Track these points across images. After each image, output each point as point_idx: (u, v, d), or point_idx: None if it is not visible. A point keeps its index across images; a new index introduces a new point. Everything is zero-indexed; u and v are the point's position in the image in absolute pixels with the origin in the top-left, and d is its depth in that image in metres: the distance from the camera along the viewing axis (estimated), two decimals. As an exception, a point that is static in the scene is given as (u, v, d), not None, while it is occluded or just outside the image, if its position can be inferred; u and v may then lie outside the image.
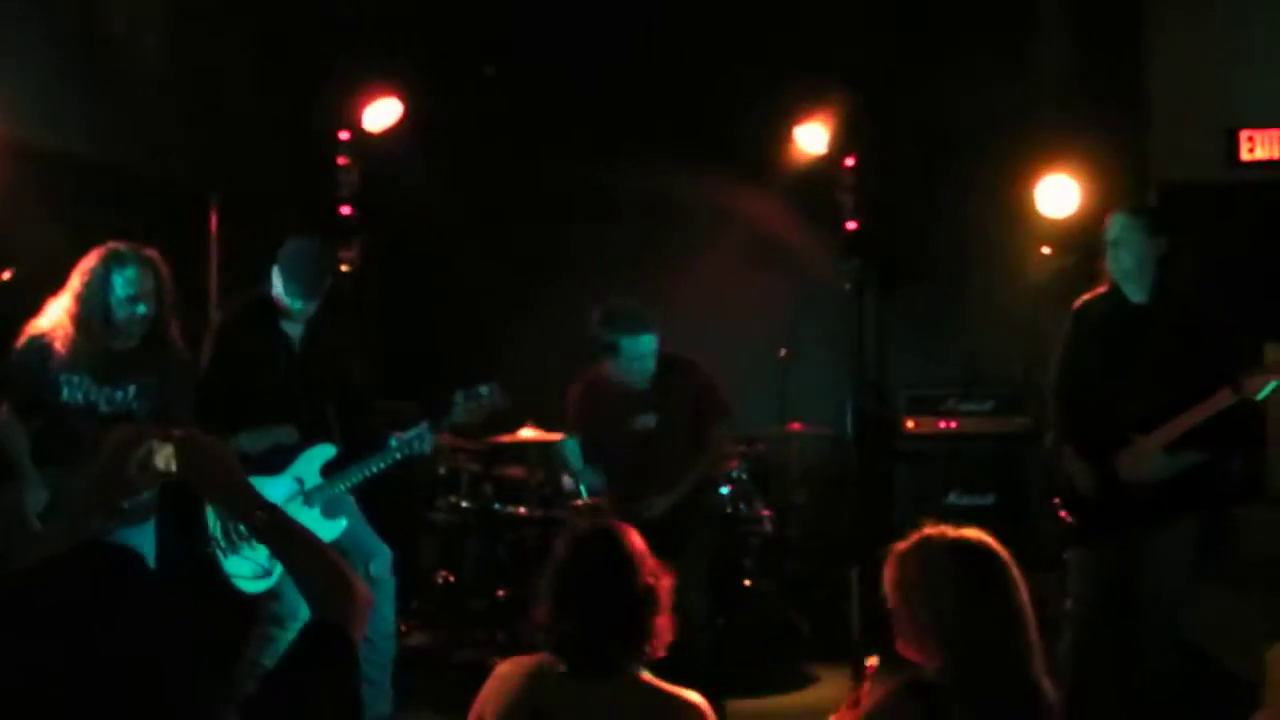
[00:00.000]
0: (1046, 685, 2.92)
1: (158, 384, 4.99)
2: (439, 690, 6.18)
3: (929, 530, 2.98)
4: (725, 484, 6.69)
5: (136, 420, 4.90)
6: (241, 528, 4.64)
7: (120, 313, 4.84)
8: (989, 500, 7.19)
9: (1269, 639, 5.72)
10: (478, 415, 5.59)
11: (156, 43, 6.59)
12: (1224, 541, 6.75)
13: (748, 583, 6.78)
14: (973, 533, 2.96)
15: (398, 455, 5.39)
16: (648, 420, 5.58)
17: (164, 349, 5.01)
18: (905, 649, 2.94)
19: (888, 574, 2.99)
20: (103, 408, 4.93)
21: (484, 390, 5.50)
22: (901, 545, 2.99)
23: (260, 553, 5.01)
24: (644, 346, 5.50)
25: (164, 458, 2.39)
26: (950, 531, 2.96)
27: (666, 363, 5.60)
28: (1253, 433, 6.30)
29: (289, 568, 2.43)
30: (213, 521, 5.06)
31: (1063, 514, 5.17)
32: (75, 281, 4.87)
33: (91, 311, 4.83)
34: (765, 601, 6.84)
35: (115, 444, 2.46)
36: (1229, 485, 5.67)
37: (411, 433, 5.40)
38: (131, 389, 4.96)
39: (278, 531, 2.42)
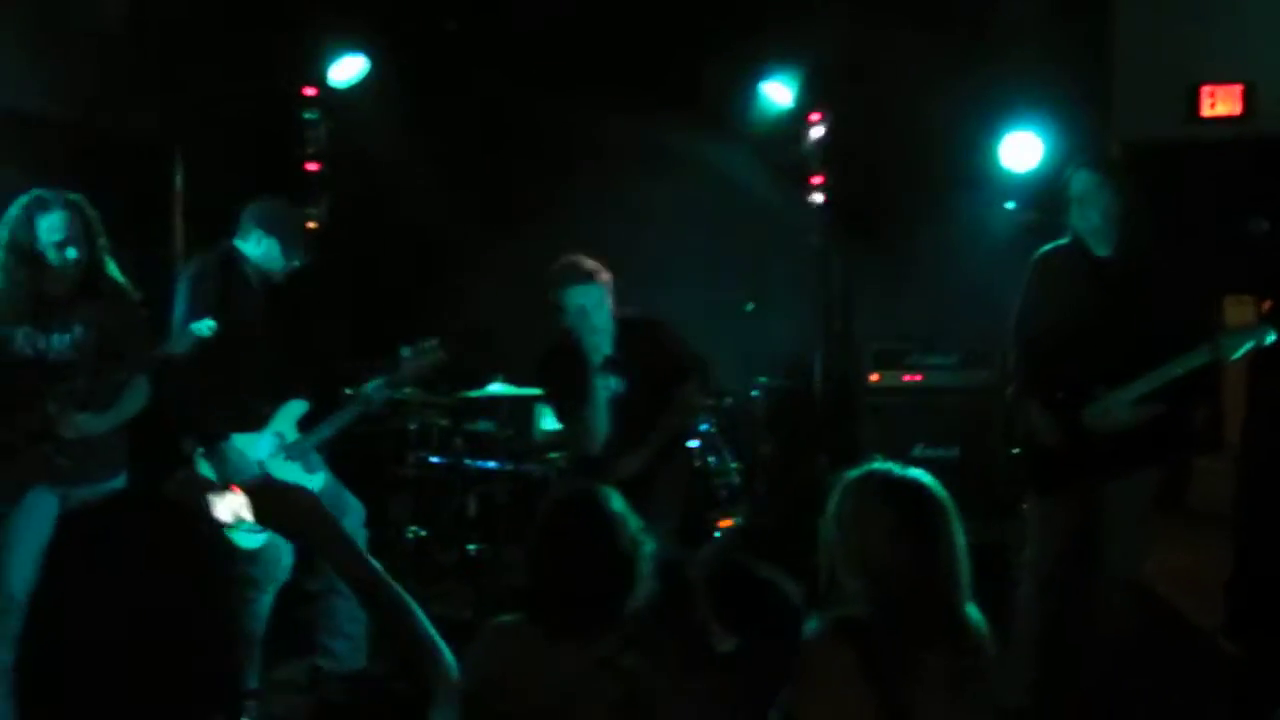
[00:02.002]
0: (971, 620, 2.99)
1: (102, 325, 5.01)
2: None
3: (874, 468, 3.05)
4: (694, 437, 6.73)
5: (82, 363, 4.95)
6: None
7: (50, 257, 4.87)
8: (954, 453, 7.25)
9: (1223, 588, 5.86)
10: (425, 368, 5.64)
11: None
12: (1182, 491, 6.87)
13: (717, 534, 6.84)
14: (916, 473, 3.03)
15: (358, 410, 5.46)
16: (614, 385, 5.55)
17: (103, 290, 5.03)
18: (841, 583, 2.99)
19: (831, 503, 3.04)
20: (51, 355, 4.96)
21: (428, 344, 5.56)
22: (848, 477, 3.05)
23: None
24: (581, 298, 5.45)
25: (229, 510, 2.39)
26: (895, 470, 3.03)
27: (629, 325, 5.58)
28: (1211, 385, 6.40)
29: (384, 630, 2.45)
30: (206, 468, 5.09)
31: (1023, 463, 5.24)
32: (3, 233, 4.89)
33: (21, 260, 4.86)
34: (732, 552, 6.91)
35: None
36: (1189, 436, 5.77)
37: (369, 386, 5.49)
38: (77, 330, 4.98)
39: (379, 590, 2.44)
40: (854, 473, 3.06)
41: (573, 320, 5.49)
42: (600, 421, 5.50)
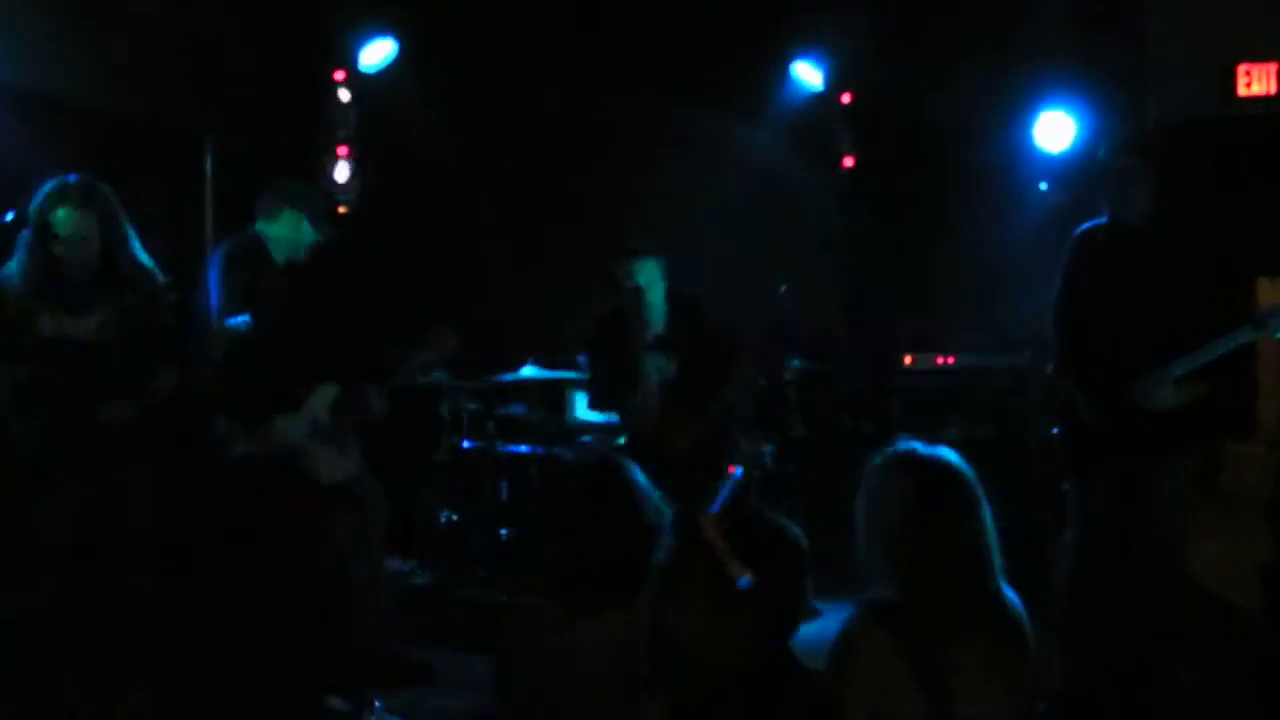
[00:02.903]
0: (1006, 600, 2.96)
1: (126, 310, 5.06)
2: (444, 628, 6.23)
3: (900, 445, 3.02)
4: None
5: (108, 347, 4.99)
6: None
7: (63, 251, 4.92)
8: (988, 435, 7.22)
9: (1261, 573, 5.81)
10: (437, 359, 5.66)
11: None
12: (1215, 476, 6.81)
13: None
14: (941, 451, 3.00)
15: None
16: (664, 363, 5.51)
17: (127, 275, 5.06)
18: (870, 565, 2.96)
19: (861, 486, 3.01)
20: (75, 337, 5.00)
21: (442, 334, 5.59)
22: (874, 459, 3.02)
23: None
24: (640, 276, 5.46)
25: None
26: (920, 448, 3.00)
27: (681, 302, 5.57)
28: (1245, 366, 6.34)
29: None
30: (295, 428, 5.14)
31: (1062, 444, 5.20)
32: (32, 214, 4.95)
33: (37, 255, 4.93)
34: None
35: None
36: (1222, 419, 5.71)
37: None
38: (101, 314, 5.03)
39: None
40: (881, 452, 3.04)
41: (628, 297, 5.49)
42: (652, 399, 5.47)
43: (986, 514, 2.96)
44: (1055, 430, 5.25)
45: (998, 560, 2.97)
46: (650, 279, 5.48)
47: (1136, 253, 4.96)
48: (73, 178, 4.97)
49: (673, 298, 5.55)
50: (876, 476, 2.99)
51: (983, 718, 2.85)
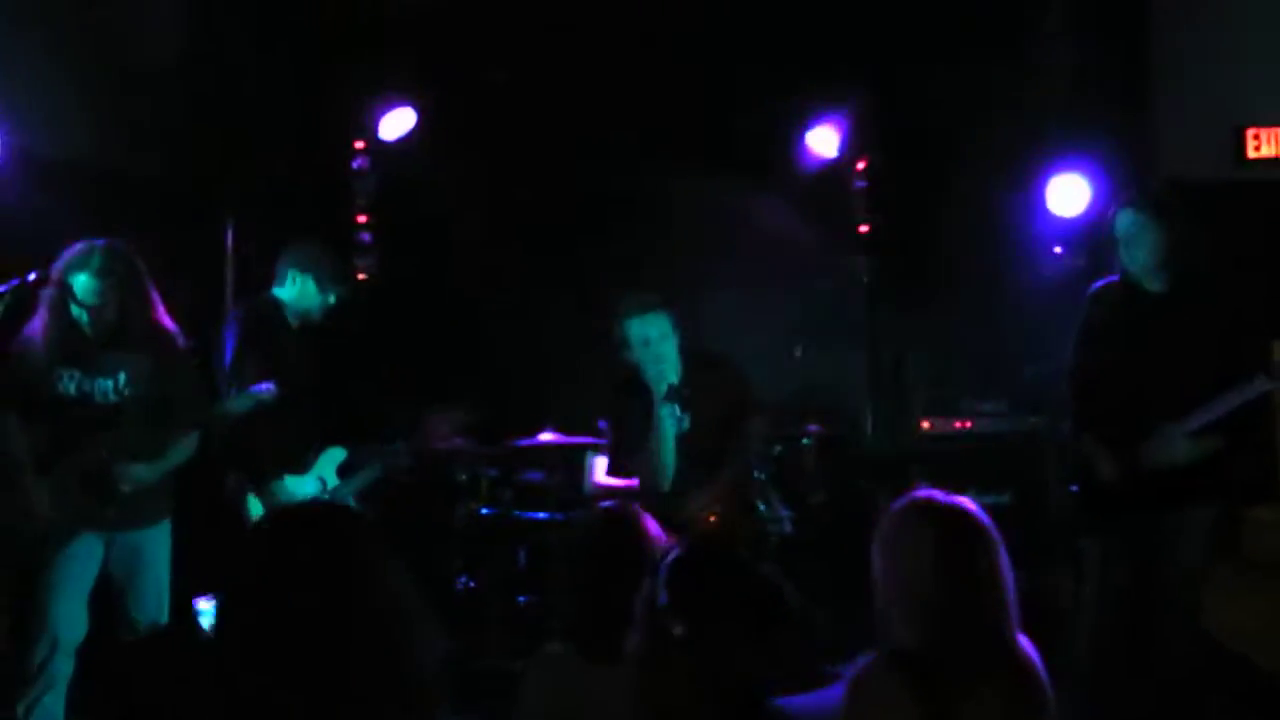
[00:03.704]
0: (1023, 650, 2.95)
1: (147, 374, 5.12)
2: (461, 693, 6.20)
3: (919, 494, 3.02)
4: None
5: (128, 410, 5.04)
6: None
7: (84, 316, 5.01)
8: (1005, 499, 7.19)
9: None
10: (446, 435, 5.69)
11: (169, 53, 6.66)
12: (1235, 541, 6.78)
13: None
14: (961, 500, 3.00)
15: (381, 468, 5.54)
16: (679, 415, 5.45)
17: (146, 338, 5.13)
18: (887, 613, 2.96)
19: (877, 533, 3.02)
20: (96, 398, 5.09)
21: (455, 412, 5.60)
22: (893, 505, 3.03)
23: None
24: (647, 328, 5.41)
25: None
26: (940, 496, 3.00)
27: (698, 359, 5.54)
28: (1261, 428, 6.34)
29: None
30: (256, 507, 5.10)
31: (1079, 500, 5.19)
32: (58, 273, 5.04)
33: (59, 315, 5.02)
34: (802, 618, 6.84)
35: None
36: (1241, 483, 5.70)
37: (394, 446, 5.58)
38: (121, 376, 5.11)
39: None
40: (901, 502, 3.04)
41: (636, 352, 5.45)
42: (668, 455, 5.43)
43: (1005, 563, 2.96)
44: (1073, 488, 5.26)
45: (1015, 610, 2.97)
46: (662, 332, 5.43)
47: (1149, 308, 4.99)
48: (100, 242, 5.04)
49: (691, 354, 5.52)
50: (897, 524, 3.00)
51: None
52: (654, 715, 2.68)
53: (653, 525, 3.29)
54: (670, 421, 5.42)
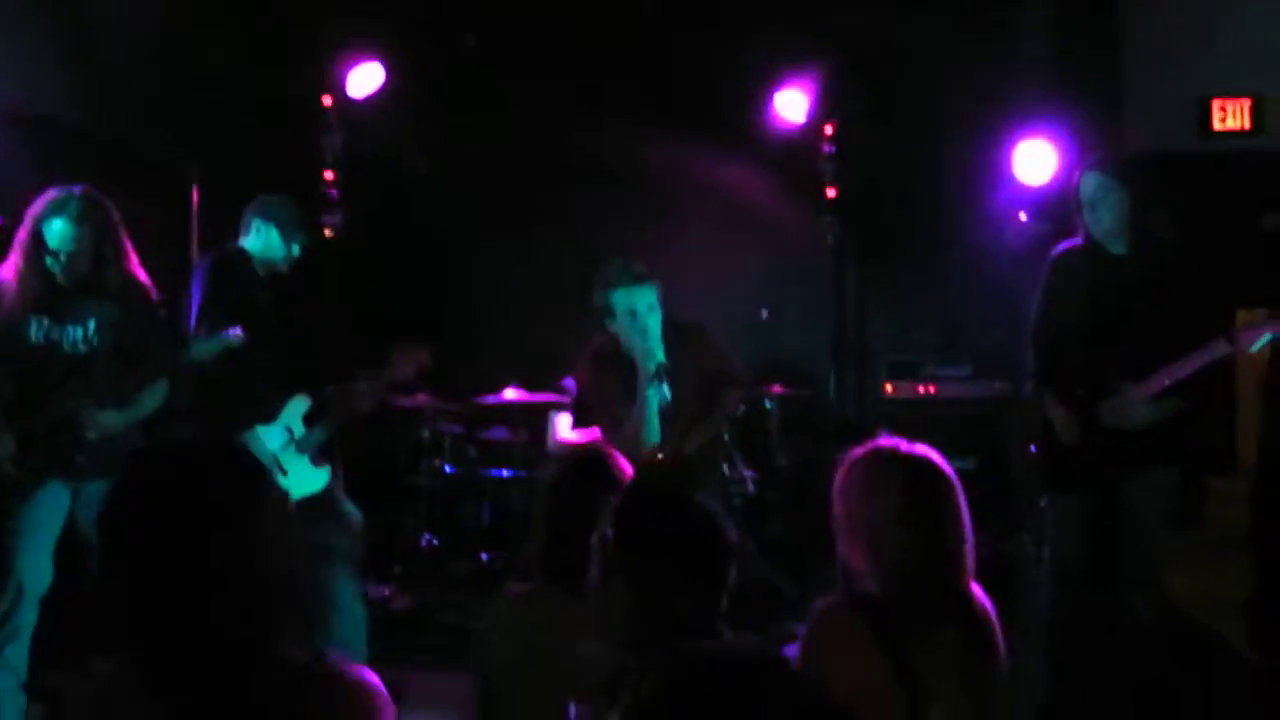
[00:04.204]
0: (978, 600, 2.99)
1: (116, 323, 5.09)
2: (422, 650, 6.23)
3: (882, 441, 3.04)
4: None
5: (97, 359, 5.00)
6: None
7: (56, 263, 4.97)
8: (969, 464, 7.21)
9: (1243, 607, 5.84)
10: (406, 374, 5.67)
11: (137, 13, 6.61)
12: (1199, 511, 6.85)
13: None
14: (922, 448, 3.02)
15: (345, 414, 5.53)
16: (666, 393, 5.35)
17: (117, 288, 5.10)
18: (847, 558, 2.99)
19: (838, 479, 3.03)
20: (65, 346, 5.05)
21: (412, 350, 5.63)
22: (855, 452, 3.04)
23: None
24: (635, 300, 5.32)
25: None
26: (902, 445, 3.02)
27: (678, 329, 5.44)
28: (1224, 399, 6.39)
29: None
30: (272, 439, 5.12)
31: (1040, 460, 5.23)
32: (30, 222, 4.99)
33: (32, 261, 4.96)
34: (749, 562, 6.90)
35: None
36: (1204, 448, 5.75)
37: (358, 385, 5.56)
38: (90, 324, 5.07)
39: None
40: (863, 449, 3.05)
41: (621, 323, 5.36)
42: (653, 430, 5.33)
43: (966, 512, 2.99)
44: (1032, 448, 5.30)
45: (972, 560, 3.00)
46: (649, 304, 5.34)
47: (1111, 271, 5.02)
48: (76, 189, 5.01)
49: (671, 324, 5.43)
50: (860, 470, 3.01)
51: (953, 712, 2.86)
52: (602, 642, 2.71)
53: (625, 465, 3.31)
54: (656, 399, 5.32)
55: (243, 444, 5.16)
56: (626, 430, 5.37)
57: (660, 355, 5.32)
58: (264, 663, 1.92)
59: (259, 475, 2.00)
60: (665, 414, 5.39)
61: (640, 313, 5.32)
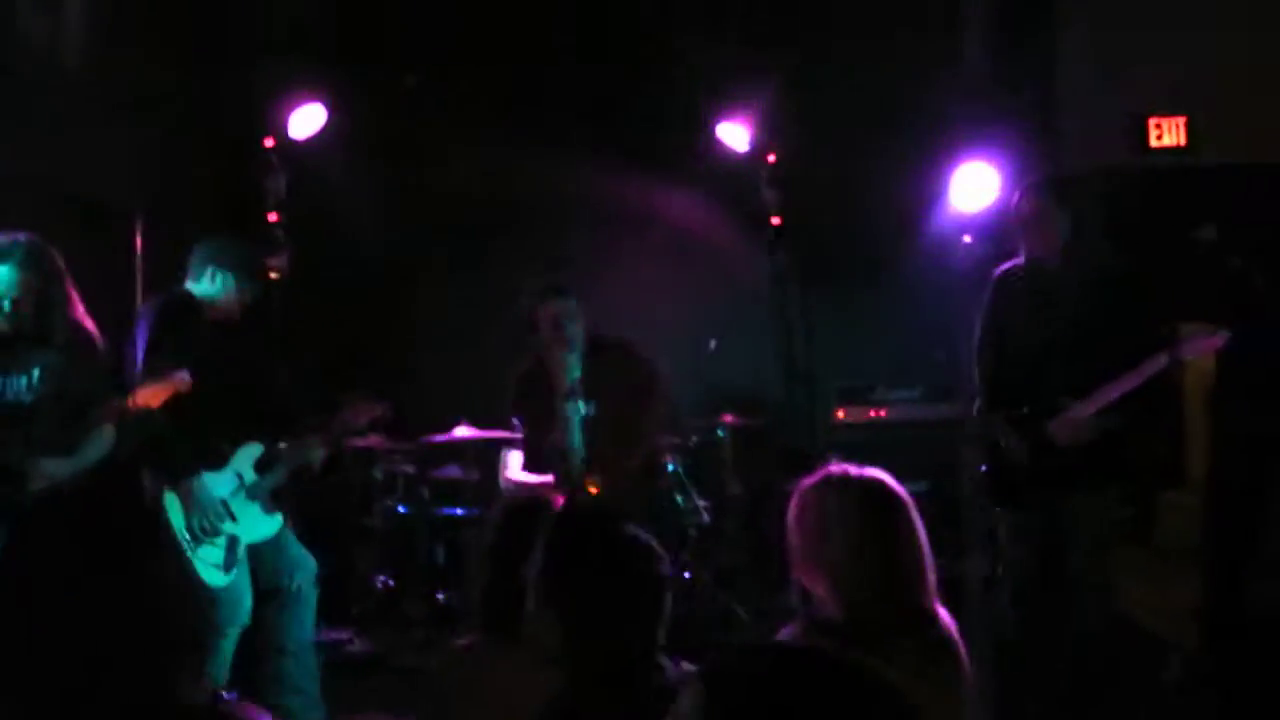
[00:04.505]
0: (943, 620, 2.98)
1: (61, 371, 5.02)
2: (381, 694, 6.17)
3: (832, 468, 3.02)
4: (660, 477, 6.73)
5: (41, 407, 4.93)
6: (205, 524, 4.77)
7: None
8: (921, 487, 7.23)
9: (1193, 615, 5.88)
10: (358, 425, 5.71)
11: (76, 54, 6.57)
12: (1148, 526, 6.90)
13: (686, 574, 6.80)
14: (874, 472, 3.01)
15: (298, 462, 5.50)
16: (584, 408, 5.53)
17: (62, 336, 5.04)
18: (806, 585, 2.97)
19: (791, 510, 3.01)
20: (9, 395, 4.98)
21: (366, 401, 5.62)
22: (806, 482, 3.02)
23: (219, 550, 5.04)
24: (558, 310, 5.56)
25: None
26: (853, 470, 3.01)
27: (598, 344, 5.60)
28: (1173, 414, 6.44)
29: None
30: (178, 516, 5.05)
31: (988, 480, 5.27)
32: None
33: None
34: (704, 591, 6.89)
35: None
36: (1152, 463, 5.80)
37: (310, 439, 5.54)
38: (35, 373, 5.00)
39: None
40: (814, 478, 3.03)
41: (545, 335, 5.54)
42: (575, 445, 5.47)
43: (923, 532, 2.98)
44: (981, 468, 5.34)
45: (933, 578, 2.99)
46: (570, 314, 5.59)
47: (1052, 290, 5.08)
48: (21, 236, 4.96)
49: (592, 340, 5.60)
50: (814, 498, 2.99)
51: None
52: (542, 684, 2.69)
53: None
54: (575, 414, 5.49)
55: (147, 490, 5.09)
56: (553, 450, 5.58)
57: (575, 369, 5.50)
58: (165, 706, 1.89)
59: (153, 521, 1.99)
60: (590, 430, 5.52)
61: (564, 321, 5.55)
